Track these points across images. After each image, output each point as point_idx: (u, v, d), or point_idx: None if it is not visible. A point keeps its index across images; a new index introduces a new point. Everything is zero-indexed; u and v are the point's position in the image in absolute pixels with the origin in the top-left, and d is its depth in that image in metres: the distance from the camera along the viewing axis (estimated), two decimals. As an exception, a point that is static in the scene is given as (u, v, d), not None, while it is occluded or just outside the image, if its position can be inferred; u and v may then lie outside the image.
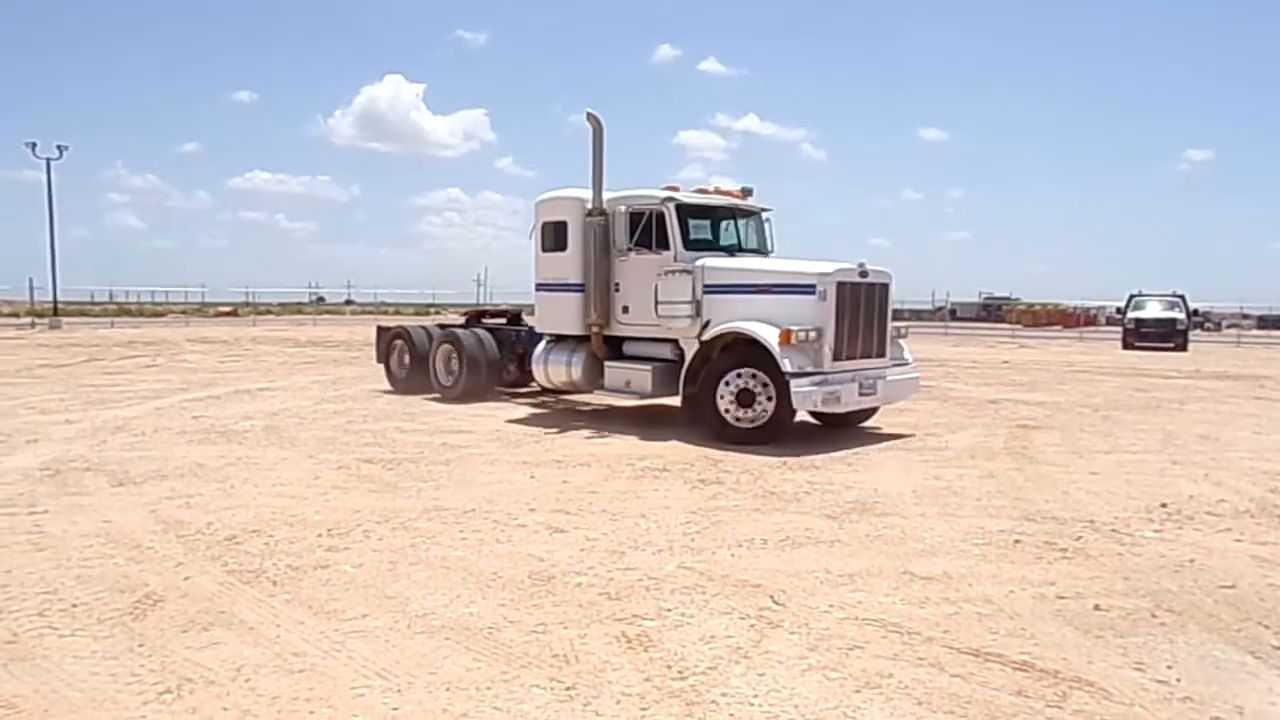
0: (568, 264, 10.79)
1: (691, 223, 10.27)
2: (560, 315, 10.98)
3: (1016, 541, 5.49)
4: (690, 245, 10.04)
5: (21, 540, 5.30)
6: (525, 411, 11.56)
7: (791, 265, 9.68)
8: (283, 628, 3.96)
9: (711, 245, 10.39)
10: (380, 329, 14.37)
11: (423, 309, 61.88)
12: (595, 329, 10.48)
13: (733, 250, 10.51)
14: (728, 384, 8.99)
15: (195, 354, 22.26)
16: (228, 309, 55.50)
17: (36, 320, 38.83)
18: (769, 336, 8.72)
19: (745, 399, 8.90)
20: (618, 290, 10.45)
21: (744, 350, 9.01)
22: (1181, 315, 29.94)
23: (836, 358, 8.96)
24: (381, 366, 14.05)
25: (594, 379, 10.65)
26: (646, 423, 10.62)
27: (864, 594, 4.49)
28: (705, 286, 9.62)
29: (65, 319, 39.57)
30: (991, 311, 63.37)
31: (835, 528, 5.79)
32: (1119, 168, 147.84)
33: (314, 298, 68.40)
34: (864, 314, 9.24)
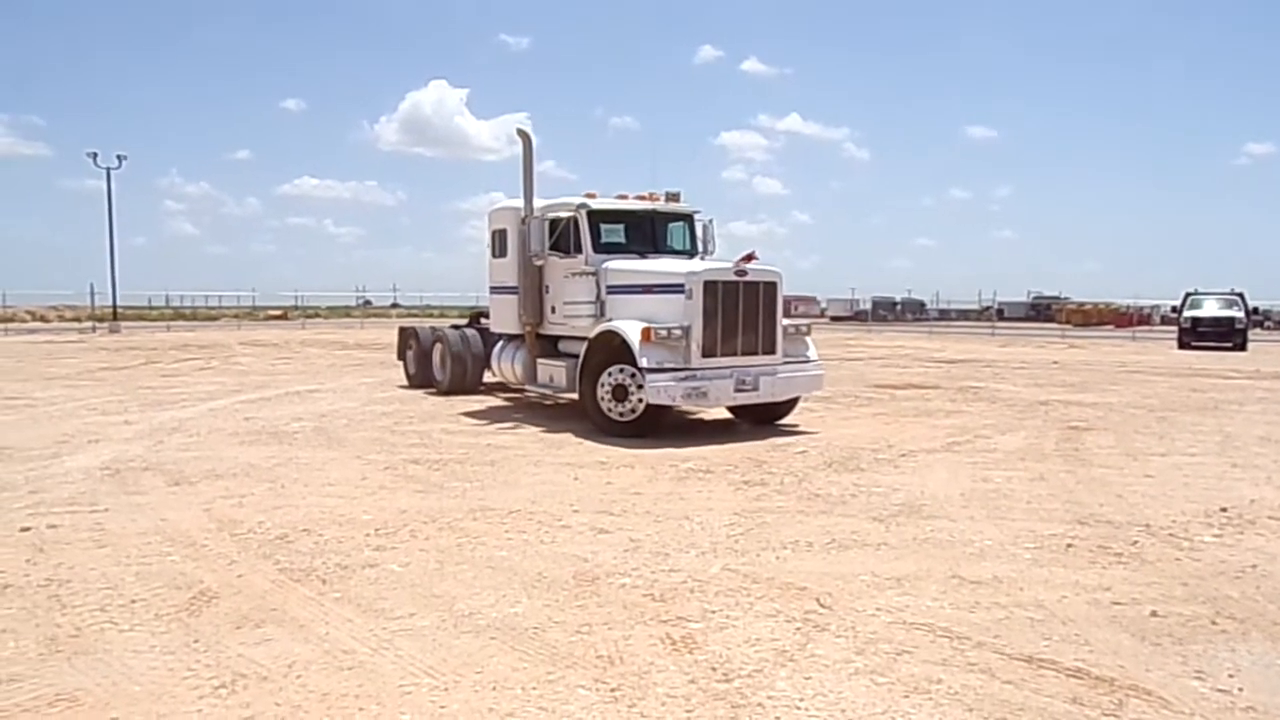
0: (508, 269, 11.59)
1: (604, 227, 10.78)
2: (505, 316, 11.85)
3: (1069, 546, 5.37)
4: (604, 248, 10.58)
5: (84, 537, 5.47)
6: (567, 414, 11.59)
7: (669, 265, 10.07)
8: (332, 625, 4.03)
9: (627, 248, 10.81)
10: (401, 330, 15.64)
11: (466, 311, 62.41)
12: (528, 328, 11.17)
13: (648, 253, 10.76)
14: (606, 379, 9.39)
15: (247, 357, 22.77)
16: (278, 312, 56.62)
17: (97, 324, 40.11)
18: (631, 334, 9.12)
19: (620, 394, 9.31)
20: (548, 292, 11.07)
21: (619, 347, 9.35)
22: (1240, 314, 29.06)
23: (709, 354, 9.24)
24: (401, 363, 15.33)
25: (531, 375, 11.28)
26: (689, 427, 10.62)
27: (912, 597, 4.43)
28: (608, 287, 10.19)
29: (124, 323, 40.78)
30: (1040, 311, 62.15)
31: (882, 530, 5.72)
32: (1175, 162, 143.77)
33: (361, 301, 69.44)
34: (743, 312, 9.45)
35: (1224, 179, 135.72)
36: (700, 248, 11.40)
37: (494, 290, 12.23)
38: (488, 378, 13.49)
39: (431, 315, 58.53)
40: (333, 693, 3.34)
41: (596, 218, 10.69)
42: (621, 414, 9.35)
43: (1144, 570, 4.91)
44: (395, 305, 68.82)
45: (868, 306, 59.59)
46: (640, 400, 9.16)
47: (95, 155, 41.07)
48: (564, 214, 10.76)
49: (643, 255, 10.67)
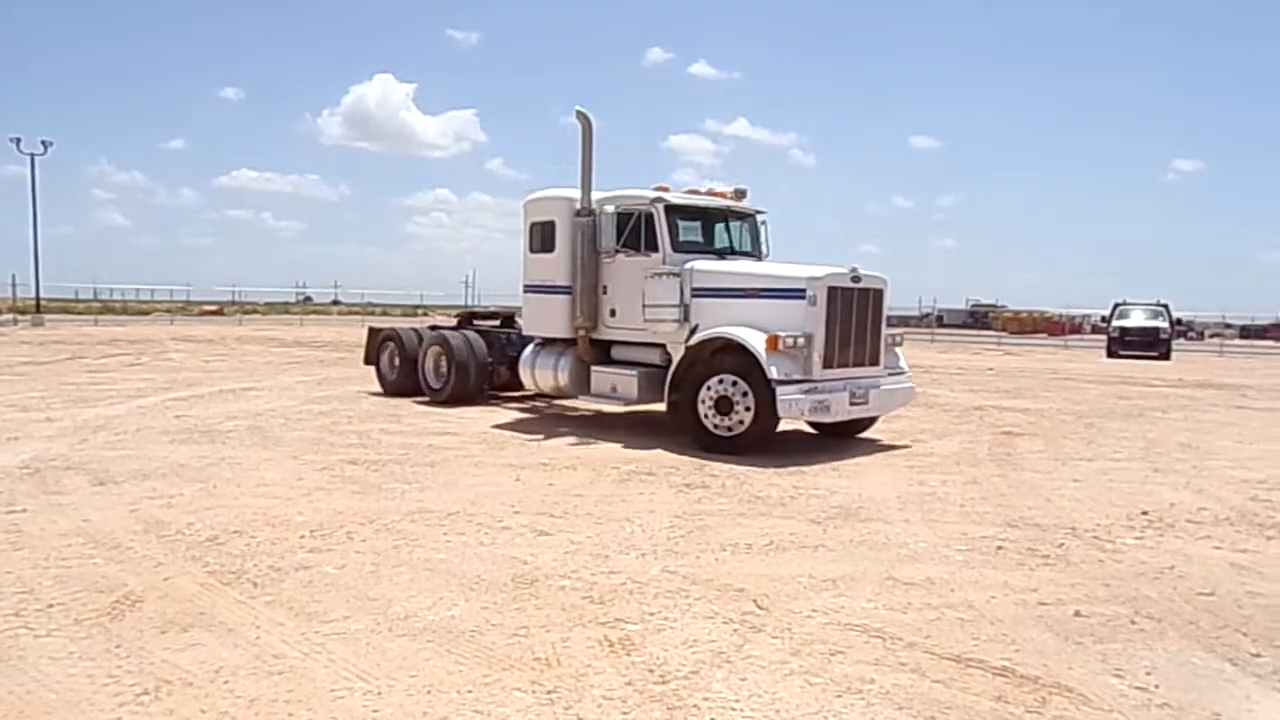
0: (555, 265, 10.59)
1: (681, 224, 10.03)
2: (548, 318, 10.79)
3: (999, 548, 5.52)
4: (680, 247, 9.81)
5: (-1, 539, 5.24)
6: (512, 415, 11.52)
7: (782, 269, 9.44)
8: (263, 629, 3.93)
9: (702, 247, 10.12)
10: (371, 330, 14.24)
11: (410, 310, 61.71)
12: (582, 332, 10.23)
13: (724, 253, 10.22)
14: (709, 390, 8.76)
15: (179, 353, 22.11)
16: (213, 308, 55.18)
17: (19, 317, 38.50)
18: (755, 342, 8.47)
19: (723, 406, 8.67)
20: (605, 293, 10.22)
21: (727, 356, 8.76)
22: (1164, 324, 30.21)
23: (827, 365, 8.68)
24: (370, 369, 13.93)
25: (581, 384, 10.40)
26: (634, 428, 10.63)
27: (847, 599, 4.50)
28: (694, 290, 9.42)
29: (48, 316, 39.28)
30: (978, 318, 63.72)
31: (820, 533, 5.80)
32: (1108, 177, 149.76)
33: (301, 297, 68.17)
34: (856, 320, 8.96)
35: (1153, 194, 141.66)
36: (762, 249, 10.81)
37: (532, 289, 11.03)
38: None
39: (374, 313, 57.69)
40: (262, 698, 3.26)
41: (674, 213, 9.92)
42: (721, 428, 8.68)
43: (1069, 572, 5.07)
44: (336, 302, 67.75)
45: (811, 311, 60.28)
46: (745, 415, 8.54)
47: (19, 140, 39.48)
48: (636, 207, 9.89)
49: (721, 256, 10.04)
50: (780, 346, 8.38)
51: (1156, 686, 3.54)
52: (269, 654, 3.66)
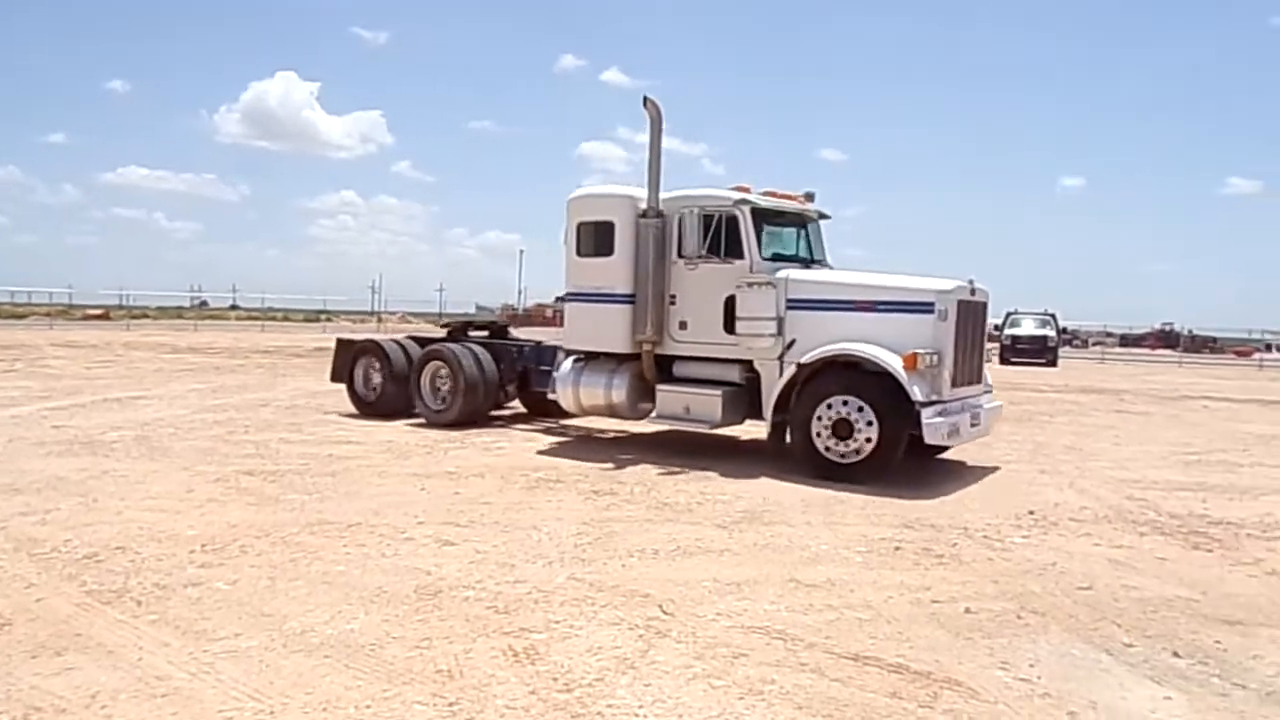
0: (613, 271, 9.40)
1: (766, 229, 9.15)
2: (601, 330, 9.56)
3: (897, 549, 5.70)
4: (763, 254, 8.99)
5: None
6: (418, 425, 11.20)
7: (899, 280, 8.55)
8: (146, 650, 3.74)
9: (780, 255, 9.26)
10: (341, 343, 12.53)
11: (313, 315, 59.90)
12: (648, 347, 9.20)
13: (801, 260, 9.44)
14: (824, 412, 7.98)
15: (59, 359, 20.82)
16: (98, 312, 52.13)
17: (-123, 321, 35.61)
18: (891, 361, 7.73)
19: (842, 430, 7.88)
20: (673, 303, 9.22)
21: (842, 375, 8.06)
22: (1052, 333, 31.89)
23: (954, 384, 8.08)
24: (330, 386, 12.59)
25: (638, 403, 9.47)
26: (543, 436, 10.57)
27: (750, 602, 4.57)
28: (789, 301, 8.53)
29: (-89, 320, 36.43)
30: (881, 327, 65.71)
31: (725, 537, 5.88)
32: (1003, 192, 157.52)
33: (196, 302, 65.18)
34: (971, 335, 8.42)
35: (1043, 208, 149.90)
36: (826, 256, 10.05)
37: (580, 297, 9.77)
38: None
39: (274, 318, 55.68)
40: (142, 723, 3.10)
41: (759, 217, 9.00)
42: (843, 455, 7.85)
43: (961, 570, 5.28)
44: (235, 307, 65.09)
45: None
46: (869, 439, 7.74)
47: (-119, 131, 36.68)
48: (717, 209, 8.89)
49: (806, 264, 9.33)
50: (919, 365, 7.66)
51: (1039, 678, 3.72)
52: (152, 675, 3.48)
